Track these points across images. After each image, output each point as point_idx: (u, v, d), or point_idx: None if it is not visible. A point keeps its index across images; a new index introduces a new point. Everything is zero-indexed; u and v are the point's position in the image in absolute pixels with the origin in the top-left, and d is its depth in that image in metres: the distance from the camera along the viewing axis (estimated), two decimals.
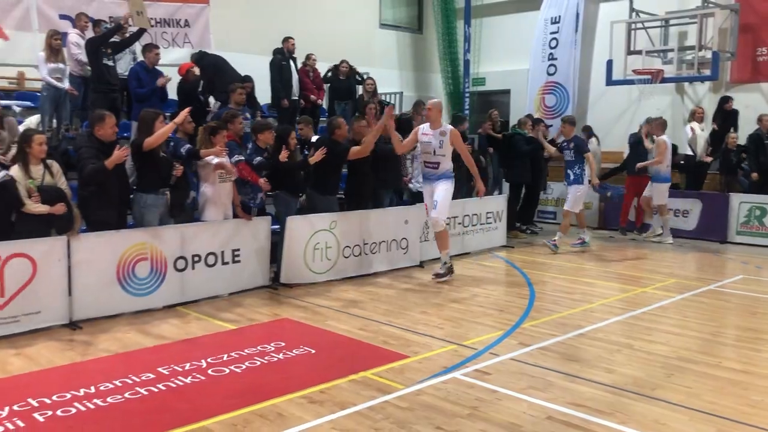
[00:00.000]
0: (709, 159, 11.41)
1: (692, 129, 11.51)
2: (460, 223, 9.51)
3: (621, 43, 12.73)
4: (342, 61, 11.88)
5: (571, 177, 9.89)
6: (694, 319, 6.38)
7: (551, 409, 4.22)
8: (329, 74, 11.89)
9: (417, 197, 9.10)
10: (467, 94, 14.73)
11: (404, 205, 9.17)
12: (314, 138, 8.75)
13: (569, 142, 9.91)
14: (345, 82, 11.83)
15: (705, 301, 7.12)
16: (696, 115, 11.67)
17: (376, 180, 8.49)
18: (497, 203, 10.33)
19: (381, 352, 5.36)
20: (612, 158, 12.94)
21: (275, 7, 13.40)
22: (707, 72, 11.98)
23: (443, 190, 7.75)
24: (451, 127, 7.86)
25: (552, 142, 11.20)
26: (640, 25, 12.86)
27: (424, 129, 7.88)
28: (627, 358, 5.25)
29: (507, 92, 16.00)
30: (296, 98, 11.00)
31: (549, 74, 14.29)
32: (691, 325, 6.19)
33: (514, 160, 11.20)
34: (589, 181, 9.92)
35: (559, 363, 5.10)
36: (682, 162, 11.64)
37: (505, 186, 11.85)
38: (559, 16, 14.11)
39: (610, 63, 12.92)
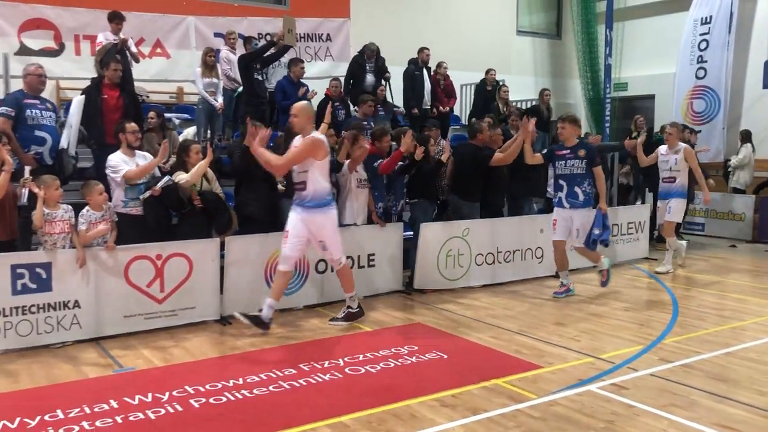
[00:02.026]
0: None
1: None
2: None
3: None
4: (489, 70, 11.90)
5: (580, 197, 7.29)
6: None
7: (695, 428, 4.02)
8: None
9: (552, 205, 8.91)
10: (608, 100, 14.23)
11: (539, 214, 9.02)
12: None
13: (575, 149, 7.33)
14: (492, 91, 11.84)
15: None
16: None
17: (519, 187, 8.42)
18: (639, 213, 9.90)
19: (513, 361, 5.33)
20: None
21: (413, 18, 13.68)
22: None
23: (324, 226, 6.03)
24: (312, 135, 5.95)
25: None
26: None
27: None
28: None
29: (651, 97, 15.29)
30: (428, 107, 11.16)
31: (698, 78, 13.50)
32: None
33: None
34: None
35: (704, 382, 4.83)
36: None
37: (648, 196, 11.32)
38: (710, 16, 13.30)
39: (767, 64, 12.02)
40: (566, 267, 7.60)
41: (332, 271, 7.04)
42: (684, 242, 9.42)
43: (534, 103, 13.29)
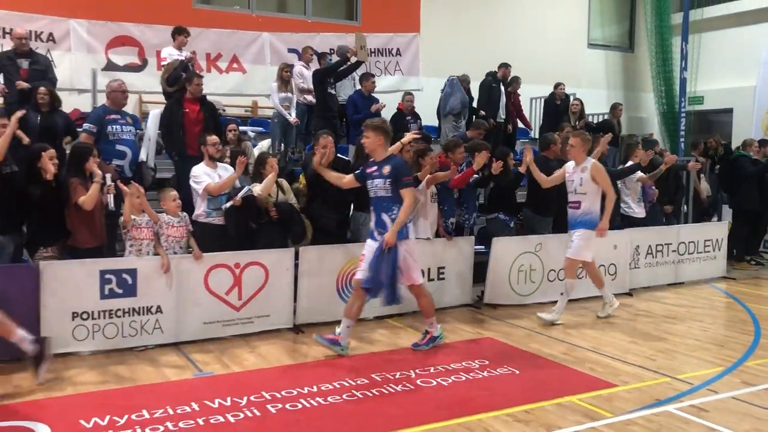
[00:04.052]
0: None
1: None
2: (674, 251, 8.98)
3: None
4: (557, 85, 11.81)
5: (388, 226, 5.59)
6: None
7: None
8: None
9: (627, 222, 8.75)
10: (683, 114, 13.88)
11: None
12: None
13: (381, 165, 5.70)
14: (561, 105, 11.73)
15: None
16: None
17: None
18: (717, 230, 9.61)
19: (587, 378, 5.26)
20: None
21: (482, 32, 13.67)
22: None
23: None
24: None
25: None
26: None
27: None
28: None
29: (729, 111, 14.80)
30: (501, 120, 11.14)
31: None
32: None
33: (739, 184, 10.32)
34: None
35: None
36: None
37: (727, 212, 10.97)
38: None
39: None
40: (353, 316, 5.78)
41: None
42: (615, 302, 7.30)
43: (605, 117, 13.11)
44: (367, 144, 5.79)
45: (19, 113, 5.82)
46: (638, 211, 8.85)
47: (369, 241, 5.81)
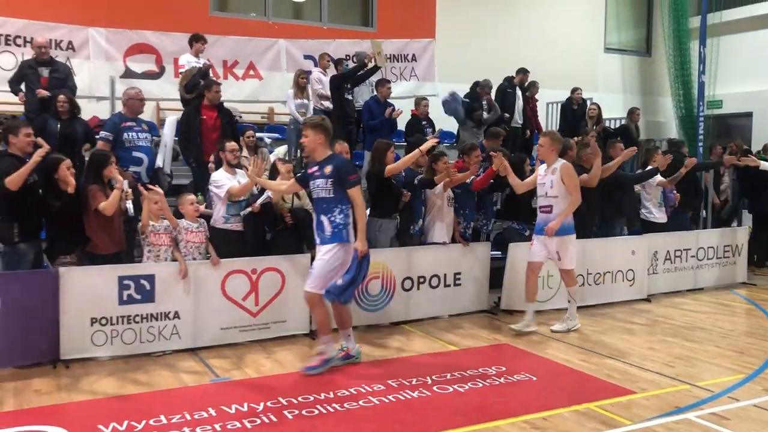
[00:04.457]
0: None
1: None
2: (693, 256, 8.89)
3: None
4: (574, 89, 11.76)
5: (326, 229, 5.39)
6: None
7: None
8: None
9: (647, 227, 8.68)
10: (702, 118, 13.76)
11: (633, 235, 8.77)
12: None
13: (322, 165, 5.45)
14: (578, 110, 11.67)
15: None
16: None
17: (609, 208, 8.25)
18: (737, 236, 9.50)
19: (605, 385, 5.22)
20: None
21: (497, 37, 13.67)
22: None
23: None
24: None
25: None
26: None
27: None
28: None
29: (748, 115, 14.65)
30: (517, 126, 11.10)
31: None
32: None
33: (759, 189, 10.20)
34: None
35: None
36: None
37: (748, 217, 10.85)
38: None
39: None
40: (347, 325, 5.72)
41: (418, 288, 7.13)
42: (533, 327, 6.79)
43: (623, 122, 13.03)
44: (306, 143, 5.56)
45: (39, 156, 5.65)
46: (659, 216, 8.77)
47: (317, 248, 5.53)
